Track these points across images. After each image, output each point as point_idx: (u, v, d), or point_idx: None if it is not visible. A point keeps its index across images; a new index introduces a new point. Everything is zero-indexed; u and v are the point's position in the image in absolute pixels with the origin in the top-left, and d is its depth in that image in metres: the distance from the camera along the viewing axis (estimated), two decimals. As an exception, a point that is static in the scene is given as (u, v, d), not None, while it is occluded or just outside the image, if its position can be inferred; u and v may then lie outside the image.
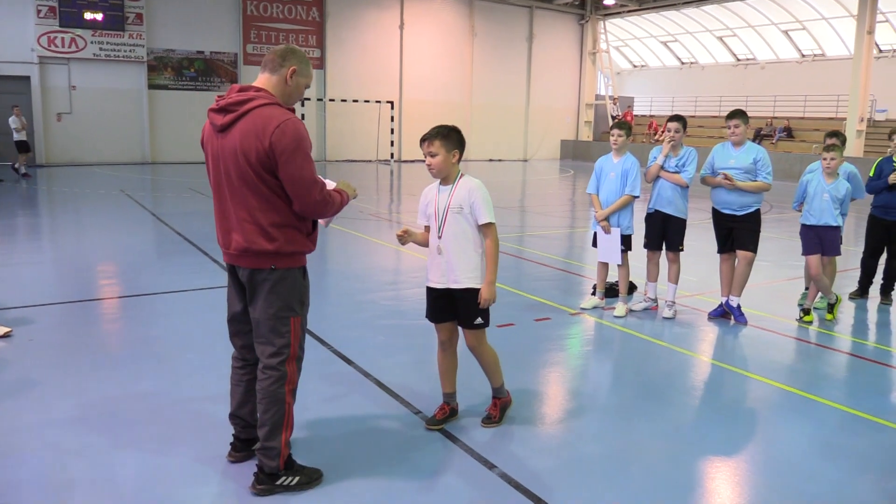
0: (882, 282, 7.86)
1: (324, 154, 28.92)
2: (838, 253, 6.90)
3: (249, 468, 3.62)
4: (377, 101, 28.06)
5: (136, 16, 24.67)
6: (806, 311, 6.90)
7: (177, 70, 25.98)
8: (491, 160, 33.07)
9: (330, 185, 3.55)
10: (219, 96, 3.39)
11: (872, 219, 7.84)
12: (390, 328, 6.36)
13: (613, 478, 3.77)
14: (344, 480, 3.63)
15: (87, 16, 23.74)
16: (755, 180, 6.61)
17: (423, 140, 4.04)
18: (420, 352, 5.69)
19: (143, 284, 7.76)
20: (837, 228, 6.81)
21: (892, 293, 7.81)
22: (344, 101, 27.40)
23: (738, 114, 6.65)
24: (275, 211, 3.32)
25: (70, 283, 7.80)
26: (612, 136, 6.76)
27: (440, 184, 4.15)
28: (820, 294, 7.21)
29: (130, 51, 24.78)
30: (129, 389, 4.76)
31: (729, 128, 6.66)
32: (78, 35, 23.87)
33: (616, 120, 34.06)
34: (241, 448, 3.76)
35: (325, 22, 28.41)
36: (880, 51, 29.19)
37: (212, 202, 3.56)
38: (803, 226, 6.95)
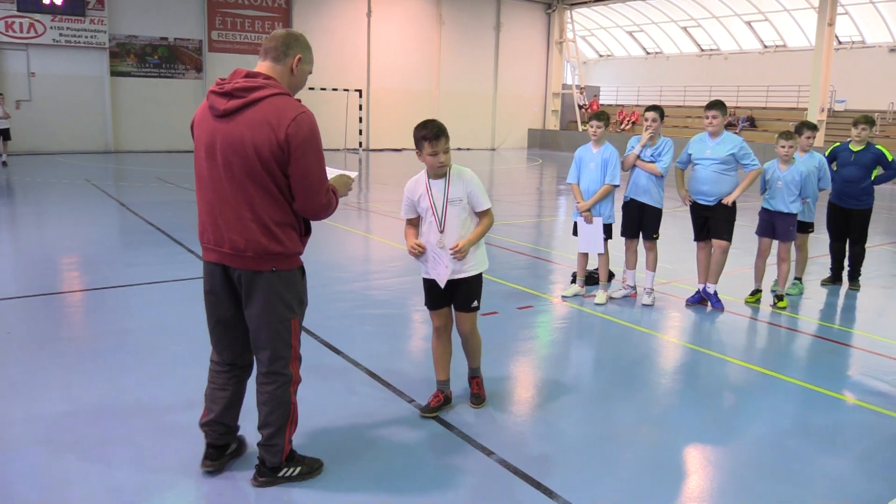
0: (848, 268, 8.10)
1: (291, 143, 28.64)
2: (792, 239, 7.06)
3: (247, 459, 3.64)
4: (345, 90, 27.86)
5: (98, 1, 24.11)
6: (779, 297, 7.09)
7: (140, 57, 25.49)
8: (459, 149, 33.07)
9: (331, 173, 3.42)
10: (221, 79, 3.19)
11: (830, 206, 8.05)
12: (374, 317, 6.39)
13: (606, 462, 3.88)
14: (343, 471, 3.67)
15: (47, 0, 23.15)
16: (731, 171, 6.74)
17: (426, 139, 3.99)
18: (406, 341, 5.74)
19: (118, 276, 7.67)
20: (791, 216, 6.97)
21: (860, 278, 8.05)
22: (311, 88, 27.11)
23: (716, 105, 6.76)
24: (279, 209, 3.16)
25: (43, 275, 7.67)
26: (591, 127, 6.83)
27: (431, 177, 4.17)
28: (792, 280, 7.42)
29: (91, 37, 24.23)
30: (116, 382, 4.72)
31: (707, 118, 6.78)
32: (37, 20, 23.25)
33: (583, 109, 34.43)
34: (217, 456, 3.56)
35: (292, 9, 28.08)
36: (840, 43, 29.80)
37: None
38: (762, 209, 7.15)
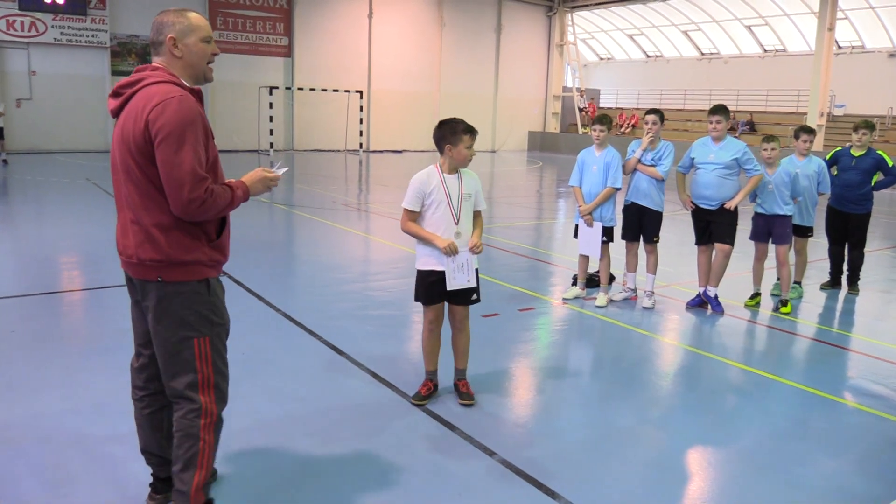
0: (847, 273, 8.13)
1: (291, 143, 28.70)
2: (788, 241, 7.10)
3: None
4: (346, 91, 27.92)
5: (99, 0, 24.15)
6: (783, 303, 7.12)
7: (141, 56, 25.48)
8: (459, 151, 33.07)
9: (279, 171, 3.13)
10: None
11: (830, 210, 8.09)
12: (376, 318, 6.41)
13: (607, 463, 3.90)
14: (346, 471, 3.69)
15: (48, -1, 23.19)
16: (740, 175, 6.78)
17: (467, 132, 4.27)
18: (407, 342, 5.76)
19: (119, 275, 7.67)
20: (786, 217, 7.01)
21: (859, 283, 8.08)
22: (312, 89, 27.22)
23: (720, 109, 6.78)
24: (159, 210, 2.78)
25: (43, 274, 7.69)
26: (595, 130, 6.87)
27: (445, 172, 4.36)
28: (791, 283, 7.45)
29: (93, 36, 24.27)
30: (119, 381, 4.73)
31: (711, 123, 6.79)
32: (38, 19, 23.28)
33: (583, 112, 34.46)
34: (162, 489, 3.19)
35: (294, 9, 28.12)
36: (840, 47, 29.85)
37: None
38: (756, 214, 7.19)
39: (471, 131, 4.27)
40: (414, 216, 4.38)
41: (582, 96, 36.63)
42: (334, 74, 29.13)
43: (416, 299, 4.49)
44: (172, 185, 2.69)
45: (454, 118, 4.35)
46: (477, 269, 4.46)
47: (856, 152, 7.83)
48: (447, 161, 4.33)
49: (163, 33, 2.88)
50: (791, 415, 4.71)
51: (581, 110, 35.88)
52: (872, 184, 7.80)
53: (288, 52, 28.28)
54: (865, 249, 8.11)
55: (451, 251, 4.28)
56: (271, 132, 25.82)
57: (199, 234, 2.86)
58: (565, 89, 37.31)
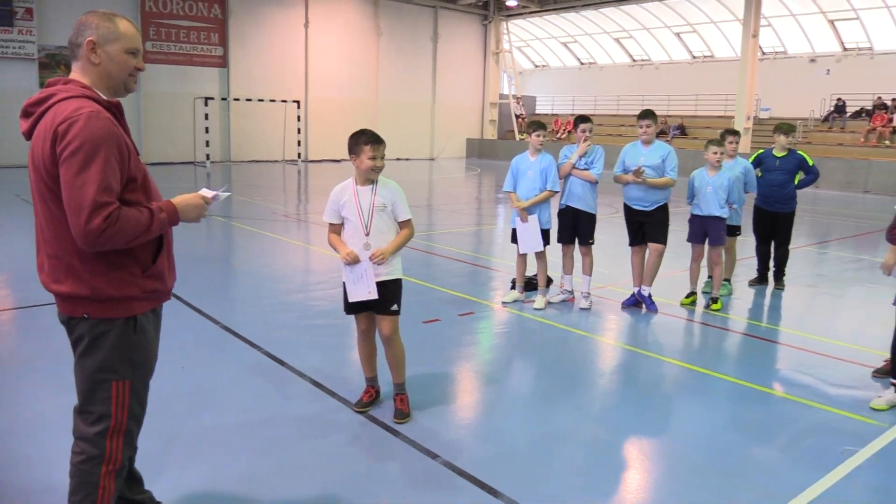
0: (774, 269, 8.46)
1: (228, 155, 28.27)
2: (722, 243, 7.37)
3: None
4: (283, 101, 27.66)
5: (26, 10, 23.38)
6: (714, 300, 7.37)
7: (70, 68, 24.73)
8: (398, 159, 33.14)
9: (206, 194, 2.84)
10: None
11: (757, 209, 8.41)
12: (318, 328, 6.40)
13: (548, 460, 3.99)
14: (291, 480, 3.69)
15: (-30, 10, 22.35)
16: (663, 176, 7.01)
17: (367, 142, 4.17)
18: (350, 350, 5.76)
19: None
20: (721, 220, 7.27)
21: (785, 278, 8.42)
22: (249, 100, 26.88)
23: (649, 114, 7.02)
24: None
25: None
26: (539, 136, 6.98)
27: (359, 184, 4.32)
28: (723, 281, 7.72)
29: (19, 47, 23.47)
30: (57, 401, 4.62)
31: (641, 127, 7.01)
32: (-41, 30, 22.45)
33: (519, 119, 34.90)
34: None
35: (228, 19, 27.76)
36: (764, 53, 31.01)
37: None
38: (692, 215, 7.43)
39: (373, 142, 4.18)
40: (336, 228, 4.41)
41: (518, 103, 37.11)
42: (271, 84, 28.84)
43: (345, 311, 4.50)
44: (71, 211, 2.41)
45: (362, 129, 4.29)
46: (399, 280, 4.40)
47: (778, 153, 8.16)
48: (356, 172, 4.32)
49: (82, 35, 2.57)
50: (724, 407, 4.89)
51: (518, 117, 36.35)
52: (796, 183, 8.14)
53: (223, 62, 27.89)
54: (791, 246, 8.45)
55: (349, 261, 4.24)
56: (207, 143, 25.38)
57: (127, 264, 2.60)
58: (502, 96, 37.76)
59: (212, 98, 25.70)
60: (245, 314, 6.85)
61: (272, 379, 5.09)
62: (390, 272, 4.35)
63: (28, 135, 2.57)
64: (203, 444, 4.04)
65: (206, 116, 25.40)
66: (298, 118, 27.88)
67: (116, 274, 2.58)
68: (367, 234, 4.29)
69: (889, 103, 25.77)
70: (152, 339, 2.81)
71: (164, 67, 26.02)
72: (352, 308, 4.45)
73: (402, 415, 4.42)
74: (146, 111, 25.62)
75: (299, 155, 27.89)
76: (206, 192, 2.87)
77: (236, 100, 27.10)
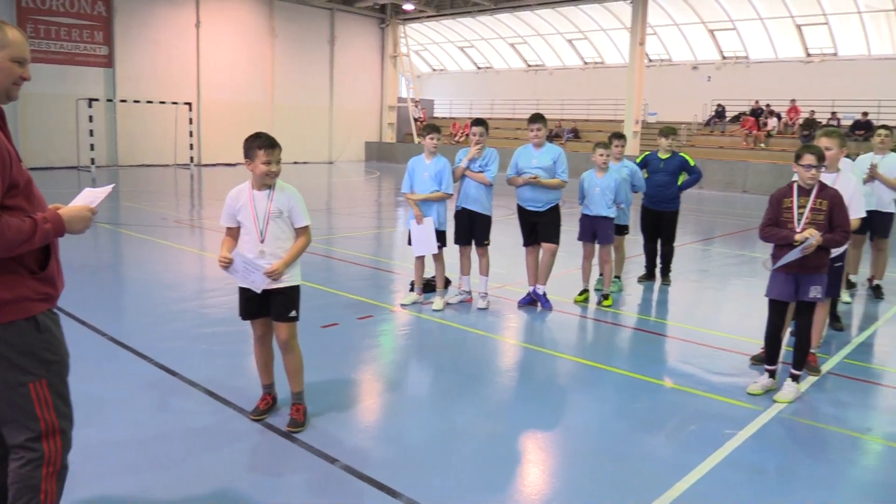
0: (661, 266, 8.86)
1: (115, 159, 27.06)
2: (611, 242, 7.67)
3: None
4: (174, 103, 26.71)
5: None
6: (605, 296, 7.64)
7: None
8: (296, 162, 32.66)
9: (95, 194, 2.81)
10: None
11: (644, 209, 8.79)
12: (212, 336, 6.23)
13: (447, 457, 4.05)
14: (187, 492, 3.58)
15: None
16: (554, 178, 7.22)
17: (261, 147, 4.09)
18: (245, 357, 5.63)
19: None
20: (609, 219, 7.56)
21: (671, 274, 8.83)
22: (137, 101, 25.80)
23: (539, 118, 7.22)
24: None
25: None
26: (433, 139, 7.06)
27: (255, 189, 4.24)
28: (613, 278, 8.02)
29: None
30: None
31: (532, 131, 7.19)
32: None
33: (418, 122, 35.08)
34: None
35: (113, 17, 26.57)
36: (650, 60, 32.39)
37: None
38: (582, 215, 7.70)
39: (267, 146, 4.08)
40: (232, 232, 4.30)
41: (417, 106, 37.29)
42: (161, 85, 27.80)
43: (240, 316, 4.42)
44: None
45: (257, 133, 4.17)
46: (297, 286, 4.32)
47: (662, 155, 8.55)
48: (252, 177, 4.22)
49: None
50: (615, 399, 5.09)
51: (416, 120, 36.51)
52: (679, 183, 8.55)
53: (108, 62, 26.69)
54: (676, 244, 8.87)
55: (223, 265, 4.10)
56: (92, 147, 24.13)
57: (16, 268, 2.55)
58: (400, 100, 37.83)
59: (96, 99, 24.51)
60: (134, 324, 6.60)
61: (164, 391, 4.93)
62: (287, 279, 4.27)
63: None
64: (90, 462, 3.85)
65: (91, 119, 24.17)
66: (191, 121, 27.02)
67: (5, 278, 2.52)
68: (263, 241, 4.20)
69: (763, 108, 27.44)
70: (59, 336, 2.77)
71: (43, 67, 24.63)
72: (247, 314, 4.37)
73: (297, 424, 4.33)
74: (24, 113, 24.19)
75: (192, 159, 27.03)
76: (91, 193, 2.80)
77: (123, 101, 25.94)
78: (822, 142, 5.52)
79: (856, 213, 5.41)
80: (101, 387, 4.93)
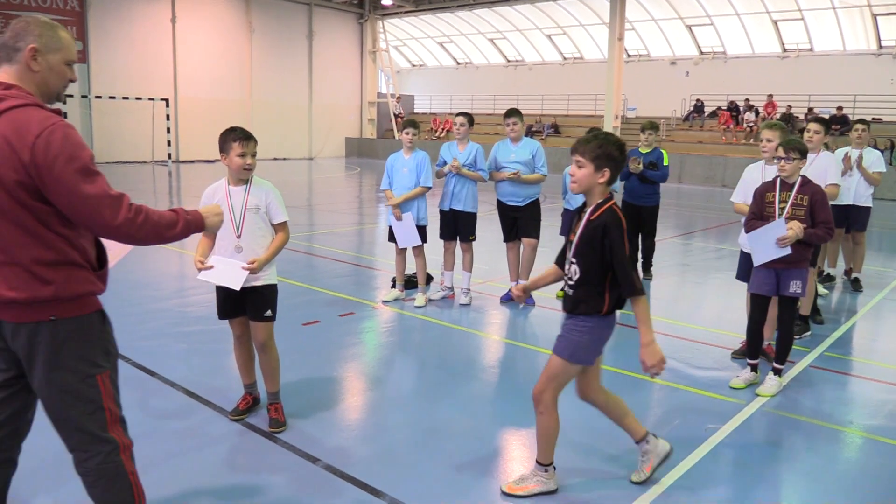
0: (642, 260, 8.87)
1: (91, 156, 26.69)
2: None
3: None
4: (150, 99, 26.43)
5: None
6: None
7: None
8: (275, 159, 32.46)
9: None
10: None
11: (624, 203, 8.78)
12: (191, 335, 6.15)
13: (429, 455, 4.00)
14: (168, 493, 3.51)
15: None
16: (533, 172, 7.20)
17: (236, 139, 4.05)
18: (225, 356, 5.55)
19: None
20: None
21: (652, 269, 8.85)
22: (112, 98, 25.51)
23: (514, 112, 7.20)
24: (42, 246, 2.50)
25: None
26: (409, 134, 7.01)
27: (231, 184, 4.19)
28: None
29: None
30: None
31: (508, 125, 7.17)
32: None
33: (398, 118, 34.99)
34: None
35: (87, 11, 26.23)
36: (629, 55, 32.52)
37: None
38: (564, 209, 7.68)
39: (242, 138, 4.05)
40: (209, 232, 4.22)
41: (398, 102, 37.17)
42: (136, 82, 27.48)
43: (218, 316, 4.35)
44: (92, 213, 2.48)
45: (232, 127, 4.15)
46: (274, 285, 4.25)
47: (643, 150, 8.56)
48: (228, 172, 4.17)
49: (23, 40, 2.54)
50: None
51: (396, 116, 36.40)
52: (640, 169, 8.44)
53: (82, 57, 26.31)
54: (657, 238, 8.89)
55: (198, 268, 4.04)
56: (67, 144, 23.83)
57: (84, 264, 2.62)
58: (380, 95, 37.71)
59: (70, 95, 24.19)
60: (114, 324, 6.47)
61: (143, 391, 4.84)
62: (265, 277, 4.20)
63: None
64: (67, 464, 3.76)
65: (65, 115, 23.86)
66: (168, 117, 26.75)
67: (78, 273, 2.60)
68: (239, 237, 4.15)
69: (741, 104, 27.65)
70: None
71: (15, 63, 24.23)
72: (224, 313, 4.31)
73: (278, 424, 4.28)
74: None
75: (169, 155, 26.78)
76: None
77: (98, 97, 25.64)
78: (765, 134, 5.61)
79: (831, 180, 6.17)
80: (78, 388, 4.83)
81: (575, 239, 3.49)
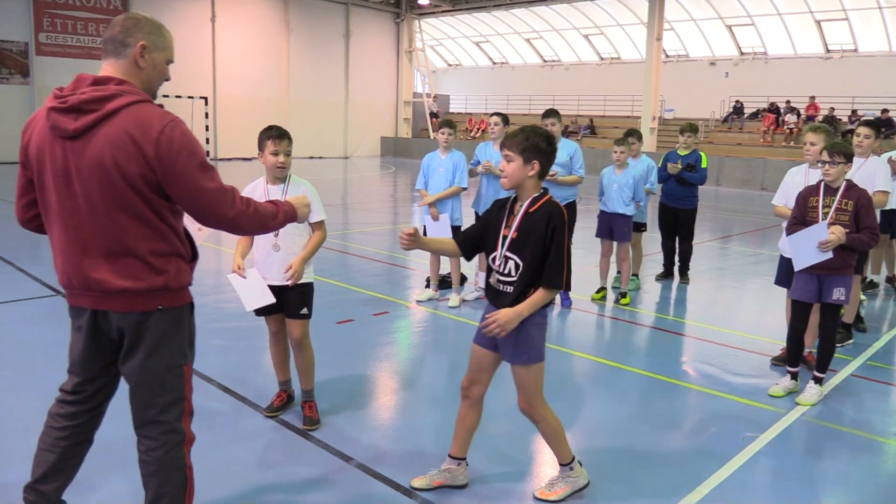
0: (678, 264, 8.76)
1: (132, 152, 27.17)
2: (628, 240, 7.56)
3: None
4: (189, 97, 26.82)
5: None
6: (623, 294, 7.56)
7: (18, 66, 23.22)
8: (311, 157, 32.71)
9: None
10: (59, 89, 2.62)
11: (661, 206, 8.69)
12: (228, 331, 6.21)
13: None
14: (202, 486, 3.55)
15: None
16: (570, 174, 7.15)
17: (269, 137, 4.08)
18: (261, 352, 5.60)
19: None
20: (626, 217, 7.47)
21: (689, 273, 8.73)
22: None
23: (552, 113, 7.15)
24: (158, 237, 2.61)
25: None
26: (445, 134, 7.02)
27: (269, 183, 4.21)
28: (631, 276, 7.93)
29: None
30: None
31: (546, 126, 7.12)
32: None
33: (434, 118, 35.03)
34: None
35: (129, 11, 26.62)
36: (668, 56, 32.15)
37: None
38: (601, 211, 7.62)
39: (275, 137, 4.07)
40: None
41: (434, 101, 37.23)
42: (177, 80, 27.65)
43: (254, 312, 4.36)
44: (209, 206, 2.61)
45: (269, 125, 4.18)
46: (310, 283, 4.26)
47: (682, 152, 8.45)
48: (266, 170, 4.19)
49: (133, 37, 2.60)
50: (633, 399, 5.02)
51: (432, 115, 36.45)
52: (678, 171, 8.31)
53: (125, 56, 26.74)
54: (694, 242, 8.77)
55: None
56: (109, 141, 24.32)
57: (186, 256, 2.75)
58: (416, 95, 37.78)
59: (113, 94, 24.64)
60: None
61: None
62: (304, 275, 4.20)
63: (79, 132, 2.51)
64: (110, 455, 3.82)
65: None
66: (207, 115, 27.12)
67: (181, 265, 2.71)
68: (277, 236, 4.16)
69: (783, 106, 27.14)
70: None
71: (60, 60, 24.80)
72: (260, 310, 4.32)
73: (312, 422, 4.30)
74: (40, 106, 24.35)
75: (208, 153, 27.11)
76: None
77: (140, 96, 26.05)
78: (809, 137, 5.46)
79: (880, 187, 5.78)
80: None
81: (510, 233, 3.35)
